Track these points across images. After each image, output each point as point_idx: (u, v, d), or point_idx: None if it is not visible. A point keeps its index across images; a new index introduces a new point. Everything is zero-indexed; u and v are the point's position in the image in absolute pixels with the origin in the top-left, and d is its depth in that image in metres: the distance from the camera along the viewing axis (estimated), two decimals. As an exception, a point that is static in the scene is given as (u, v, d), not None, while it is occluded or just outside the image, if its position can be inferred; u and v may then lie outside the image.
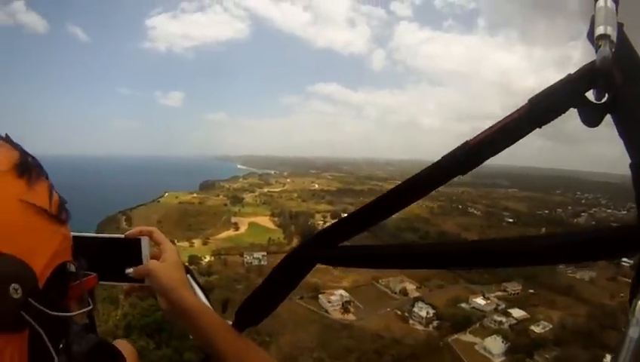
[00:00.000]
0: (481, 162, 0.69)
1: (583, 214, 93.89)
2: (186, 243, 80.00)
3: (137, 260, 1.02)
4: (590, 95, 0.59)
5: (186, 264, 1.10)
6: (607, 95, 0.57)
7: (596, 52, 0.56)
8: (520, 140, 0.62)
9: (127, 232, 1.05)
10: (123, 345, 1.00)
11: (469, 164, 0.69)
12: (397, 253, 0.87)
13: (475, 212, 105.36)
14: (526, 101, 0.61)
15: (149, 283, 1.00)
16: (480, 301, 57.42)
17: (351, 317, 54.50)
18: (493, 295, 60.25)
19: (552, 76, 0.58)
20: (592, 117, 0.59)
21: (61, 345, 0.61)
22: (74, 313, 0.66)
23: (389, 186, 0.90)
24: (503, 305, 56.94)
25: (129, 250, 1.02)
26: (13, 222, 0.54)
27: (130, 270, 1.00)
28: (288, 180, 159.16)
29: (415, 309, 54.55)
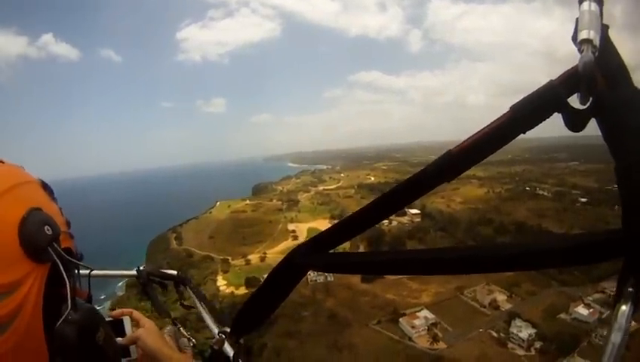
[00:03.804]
0: (465, 170, 0.71)
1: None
2: (241, 261, 75.34)
3: (122, 336, 1.19)
4: (575, 99, 0.58)
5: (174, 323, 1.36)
6: (590, 99, 0.57)
7: (579, 56, 0.56)
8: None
9: (111, 313, 1.24)
10: None
11: (453, 172, 0.71)
12: (388, 259, 0.89)
13: (545, 193, 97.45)
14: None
15: (134, 354, 1.17)
16: (581, 310, 51.10)
17: (440, 344, 47.62)
18: (591, 298, 53.87)
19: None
20: (576, 122, 0.59)
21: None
22: (85, 264, 0.80)
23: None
24: (607, 312, 49.55)
25: (114, 328, 1.17)
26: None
27: (120, 339, 1.16)
28: (342, 175, 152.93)
29: (513, 329, 47.92)
